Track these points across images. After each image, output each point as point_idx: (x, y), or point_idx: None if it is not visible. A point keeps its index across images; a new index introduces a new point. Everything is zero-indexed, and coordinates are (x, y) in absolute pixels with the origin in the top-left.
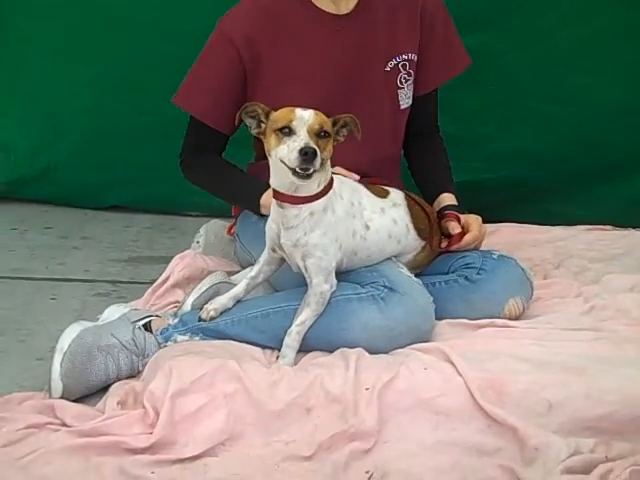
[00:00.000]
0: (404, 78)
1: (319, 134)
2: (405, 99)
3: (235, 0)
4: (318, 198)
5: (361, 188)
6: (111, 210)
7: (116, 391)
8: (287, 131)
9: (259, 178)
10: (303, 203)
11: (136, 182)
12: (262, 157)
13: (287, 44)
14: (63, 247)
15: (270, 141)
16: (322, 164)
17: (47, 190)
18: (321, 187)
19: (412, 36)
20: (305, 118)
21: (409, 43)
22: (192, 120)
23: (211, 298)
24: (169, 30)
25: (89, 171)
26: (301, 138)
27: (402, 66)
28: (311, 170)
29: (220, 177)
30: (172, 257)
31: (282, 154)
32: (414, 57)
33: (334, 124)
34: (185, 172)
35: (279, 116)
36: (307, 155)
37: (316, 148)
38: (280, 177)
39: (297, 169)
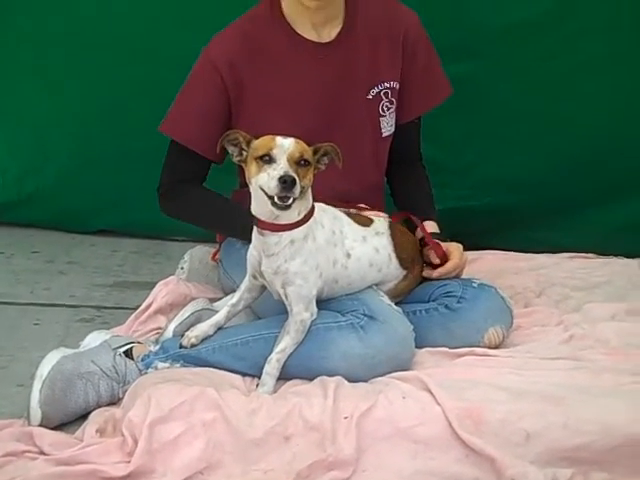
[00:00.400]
0: (386, 106)
1: (299, 162)
2: (387, 127)
3: (221, 27)
4: (299, 226)
5: (343, 216)
6: (98, 234)
7: (95, 419)
8: (267, 159)
9: (243, 205)
10: (284, 231)
11: (123, 207)
12: (246, 184)
13: (269, 71)
14: (49, 272)
15: (251, 169)
16: (302, 192)
17: (34, 214)
18: (302, 215)
19: (394, 64)
20: (285, 146)
21: (391, 71)
22: (174, 149)
23: (193, 325)
24: (156, 56)
25: (76, 196)
26: (281, 166)
27: (384, 94)
28: (290, 201)
29: (205, 206)
30: (157, 282)
31: (262, 182)
32: (396, 85)
33: (315, 152)
34: (164, 204)
35: (260, 144)
36: (286, 183)
37: (295, 176)
38: (260, 205)
39: (276, 199)
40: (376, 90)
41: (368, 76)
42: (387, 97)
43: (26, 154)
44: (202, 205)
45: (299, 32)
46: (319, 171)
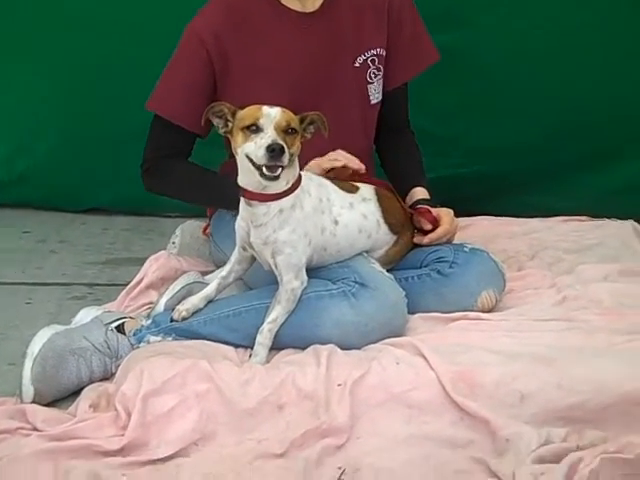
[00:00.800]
0: (373, 73)
1: (286, 131)
2: (375, 94)
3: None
4: (287, 195)
5: (329, 184)
6: (89, 213)
7: (88, 394)
8: (254, 128)
9: (231, 177)
10: (272, 200)
11: (114, 185)
12: (233, 156)
13: (254, 42)
14: (40, 251)
15: (237, 139)
16: (290, 160)
17: (25, 194)
18: (289, 184)
19: (380, 31)
20: (272, 115)
21: (377, 38)
22: (159, 125)
23: (184, 298)
24: (145, 34)
25: (67, 174)
26: (268, 135)
27: (371, 61)
28: (278, 171)
29: (191, 180)
30: None
31: (249, 150)
32: (382, 52)
33: (301, 121)
34: (148, 181)
35: (246, 114)
36: (274, 152)
37: (283, 144)
38: (248, 175)
39: (264, 170)
40: (363, 58)
41: (354, 44)
42: (374, 64)
43: (15, 133)
44: (187, 179)
45: (283, 2)
46: (305, 140)
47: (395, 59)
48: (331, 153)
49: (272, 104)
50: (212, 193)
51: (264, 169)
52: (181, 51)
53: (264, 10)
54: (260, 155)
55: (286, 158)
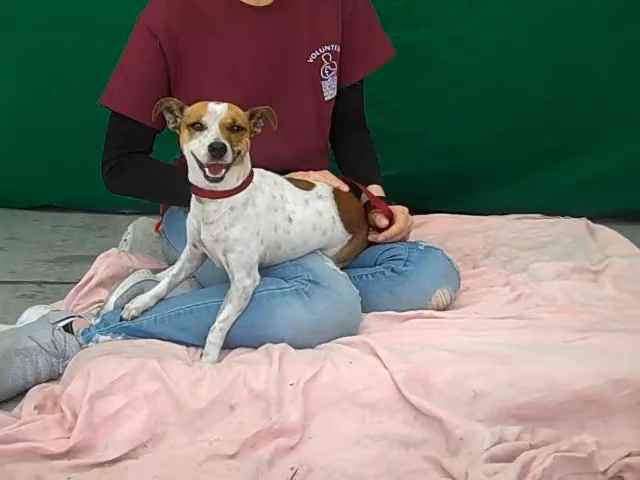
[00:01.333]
0: (327, 69)
1: (232, 128)
2: (329, 90)
3: None
4: (238, 192)
5: (283, 181)
6: (41, 210)
7: (34, 395)
8: (199, 126)
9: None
10: (222, 197)
11: (67, 181)
12: None
13: (207, 37)
14: None
15: (183, 136)
16: (237, 157)
17: None
18: (240, 181)
19: (334, 27)
20: (217, 112)
21: (331, 34)
22: (117, 122)
23: (135, 296)
24: (93, 27)
25: (17, 171)
26: (212, 133)
27: (325, 57)
28: (222, 172)
29: (153, 178)
30: None
31: (193, 148)
32: (337, 48)
33: (251, 117)
34: (111, 181)
35: (191, 111)
36: (215, 150)
37: (225, 143)
38: (196, 172)
39: (207, 172)
40: (317, 53)
41: (308, 40)
42: (328, 60)
43: None
44: (152, 177)
45: None
46: (255, 135)
47: (350, 55)
48: (317, 172)
49: (223, 100)
50: (174, 191)
51: (206, 170)
52: (133, 44)
53: (217, 5)
54: (202, 154)
55: (229, 156)
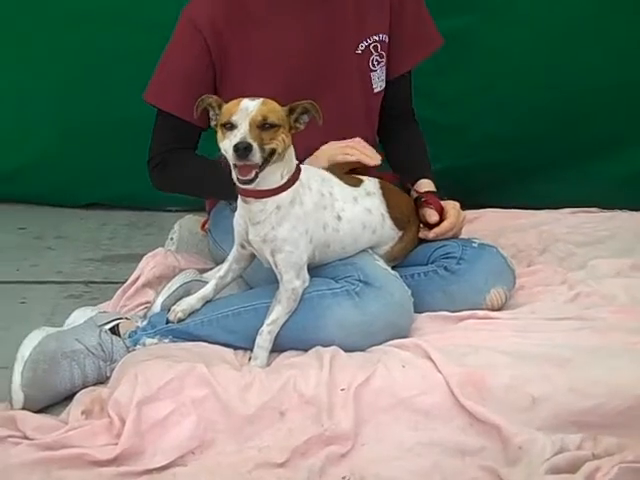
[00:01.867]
0: (376, 60)
1: (263, 126)
2: (378, 82)
3: None
4: (283, 190)
5: (332, 177)
6: (87, 208)
7: (81, 399)
8: (229, 125)
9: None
10: (268, 197)
11: (113, 179)
12: None
13: (252, 31)
14: (36, 248)
15: (219, 135)
16: (272, 156)
17: (20, 190)
18: (285, 179)
19: (382, 16)
20: (249, 110)
21: (379, 24)
22: (163, 119)
23: (182, 297)
24: (136, 22)
25: (63, 169)
26: (241, 132)
27: (373, 48)
28: (252, 174)
29: (199, 174)
30: None
31: (224, 148)
32: (385, 38)
33: (291, 112)
34: (157, 178)
35: (225, 109)
36: (240, 151)
37: (251, 142)
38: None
39: (236, 173)
40: (365, 44)
41: (355, 30)
42: (377, 51)
43: (12, 127)
44: (197, 174)
45: None
46: (297, 131)
47: (398, 45)
48: (349, 141)
49: (267, 94)
50: (218, 186)
51: (235, 172)
52: (177, 39)
53: None
54: (230, 154)
55: (256, 156)
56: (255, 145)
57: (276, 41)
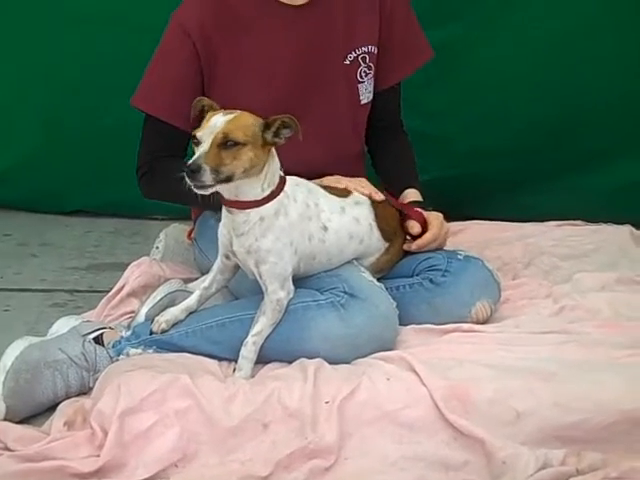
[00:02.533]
0: (364, 72)
1: (225, 144)
2: (366, 93)
3: None
4: (266, 202)
5: (318, 189)
6: (73, 215)
7: (64, 410)
8: (196, 141)
9: None
10: (251, 208)
11: (98, 186)
12: None
13: (242, 37)
14: (21, 255)
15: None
16: (234, 175)
17: (5, 196)
18: (267, 191)
19: (372, 27)
20: (215, 126)
21: (369, 35)
22: (150, 125)
23: (166, 307)
24: (126, 26)
25: (48, 175)
26: (199, 151)
27: (362, 59)
28: (206, 192)
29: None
30: None
31: None
32: (374, 50)
33: (267, 127)
34: (145, 187)
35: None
36: (188, 172)
37: (201, 164)
38: None
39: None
40: (353, 55)
41: (344, 41)
42: (365, 62)
43: None
44: (180, 181)
45: None
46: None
47: (387, 57)
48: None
49: (255, 102)
50: (206, 197)
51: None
52: (166, 43)
53: (252, 4)
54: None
55: (206, 178)
56: (206, 167)
57: (265, 47)
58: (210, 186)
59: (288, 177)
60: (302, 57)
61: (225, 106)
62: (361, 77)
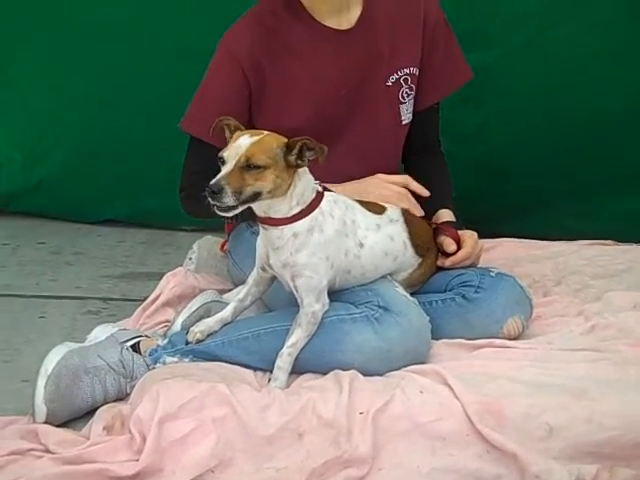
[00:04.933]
0: (406, 93)
1: (248, 166)
2: (407, 114)
3: (232, 16)
4: (298, 219)
5: (356, 205)
6: (105, 224)
7: (102, 415)
8: (222, 160)
9: None
10: (282, 224)
11: (131, 196)
12: None
13: (289, 60)
14: (55, 263)
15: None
16: (259, 196)
17: (40, 205)
18: (296, 209)
19: (414, 49)
20: (240, 148)
21: (411, 57)
22: (196, 147)
23: (202, 318)
24: (163, 44)
25: (82, 185)
26: (223, 172)
27: (404, 80)
28: (228, 214)
29: None
30: (165, 273)
31: None
32: (415, 71)
33: (289, 148)
34: (189, 207)
35: (230, 140)
36: (210, 192)
37: (224, 186)
38: None
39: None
40: (396, 77)
41: (387, 62)
42: (407, 83)
43: (30, 143)
44: None
45: (318, 20)
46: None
47: (428, 78)
48: (398, 178)
49: (298, 122)
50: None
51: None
52: (215, 69)
53: (299, 28)
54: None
55: (228, 200)
56: (227, 189)
57: (313, 70)
58: (233, 207)
59: (327, 193)
60: (347, 79)
61: (271, 128)
62: (403, 98)
